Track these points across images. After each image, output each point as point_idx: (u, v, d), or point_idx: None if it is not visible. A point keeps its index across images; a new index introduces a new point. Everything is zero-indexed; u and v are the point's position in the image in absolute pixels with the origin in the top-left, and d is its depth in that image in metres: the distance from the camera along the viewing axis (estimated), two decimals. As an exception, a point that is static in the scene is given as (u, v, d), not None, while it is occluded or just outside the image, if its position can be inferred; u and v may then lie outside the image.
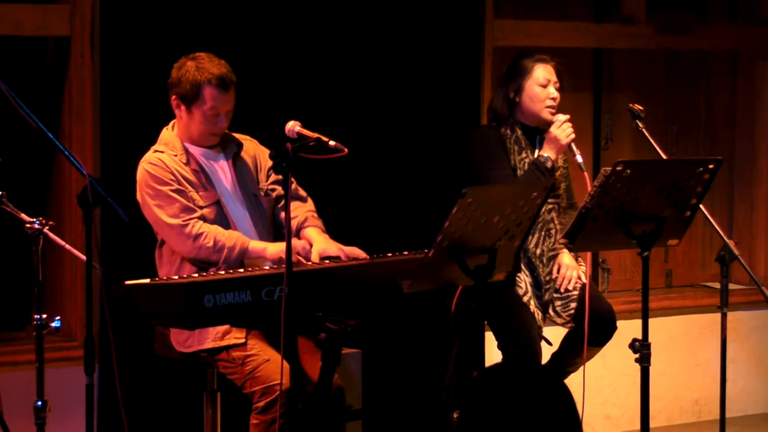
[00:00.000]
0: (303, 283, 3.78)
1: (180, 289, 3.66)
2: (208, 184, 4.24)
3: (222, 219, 4.22)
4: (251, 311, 3.72)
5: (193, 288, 3.65)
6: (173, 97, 4.25)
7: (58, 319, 3.73)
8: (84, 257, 3.53)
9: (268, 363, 4.01)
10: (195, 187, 4.21)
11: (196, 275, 3.95)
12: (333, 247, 4.19)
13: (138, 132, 4.83)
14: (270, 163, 4.37)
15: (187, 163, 4.24)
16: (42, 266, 3.69)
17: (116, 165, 4.80)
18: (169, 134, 4.31)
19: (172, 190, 4.16)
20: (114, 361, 3.56)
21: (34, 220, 3.68)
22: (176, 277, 3.99)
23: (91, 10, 4.77)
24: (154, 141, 4.75)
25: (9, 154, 4.19)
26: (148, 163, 4.22)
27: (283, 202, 4.38)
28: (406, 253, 4.17)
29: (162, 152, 4.24)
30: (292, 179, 4.43)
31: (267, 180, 4.41)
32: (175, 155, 4.23)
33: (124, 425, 3.63)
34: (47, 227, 3.69)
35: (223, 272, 3.95)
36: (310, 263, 4.07)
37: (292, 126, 4.10)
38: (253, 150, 4.42)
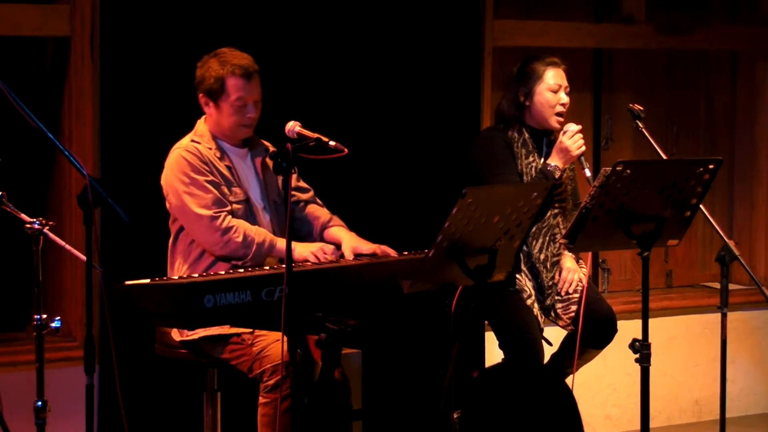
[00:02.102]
0: (303, 283, 3.78)
1: (180, 289, 3.66)
2: (239, 181, 4.26)
3: (250, 217, 4.23)
4: (251, 311, 3.72)
5: (193, 288, 3.65)
6: (200, 95, 4.25)
7: (58, 319, 3.73)
8: (84, 257, 3.53)
9: (277, 343, 3.99)
10: (227, 183, 4.22)
11: (197, 275, 3.95)
12: (365, 245, 4.21)
13: (138, 132, 4.84)
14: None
15: (221, 159, 4.24)
16: (42, 266, 3.69)
17: (116, 165, 4.80)
18: (203, 127, 4.31)
19: (207, 181, 4.16)
20: (114, 361, 3.56)
21: (34, 220, 3.68)
22: (176, 277, 3.99)
23: (91, 10, 4.77)
24: (154, 141, 4.75)
25: (9, 154, 4.19)
26: (185, 150, 4.21)
27: (302, 203, 4.41)
28: (406, 253, 4.17)
29: (198, 143, 4.24)
30: (309, 186, 4.46)
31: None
32: (210, 148, 4.23)
33: (124, 425, 3.63)
34: (47, 227, 3.69)
35: (222, 272, 3.95)
36: (314, 263, 4.06)
37: (292, 126, 4.11)
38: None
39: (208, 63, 4.25)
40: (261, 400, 4.02)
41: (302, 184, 4.48)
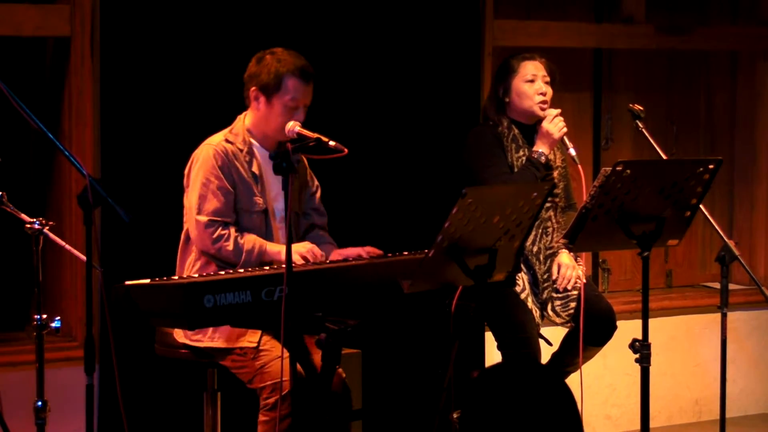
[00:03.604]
0: (303, 283, 3.78)
1: (180, 289, 3.66)
2: (263, 190, 4.23)
3: (266, 228, 4.21)
4: (251, 311, 3.72)
5: (193, 288, 3.65)
6: (252, 89, 4.20)
7: (58, 319, 3.73)
8: (84, 257, 3.53)
9: (279, 360, 3.98)
10: (249, 191, 4.18)
11: (196, 275, 3.95)
12: (349, 250, 4.23)
13: (138, 132, 4.84)
14: (313, 188, 4.39)
15: (250, 163, 4.21)
16: (42, 266, 3.69)
17: (116, 165, 4.80)
18: (241, 126, 4.26)
19: (219, 187, 4.13)
20: (114, 361, 3.56)
21: (34, 220, 3.68)
22: (176, 277, 3.99)
23: (91, 10, 4.77)
24: (154, 141, 4.76)
25: (9, 154, 4.19)
26: (213, 149, 4.17)
27: (313, 230, 4.39)
28: (406, 253, 4.17)
29: (232, 143, 4.19)
30: (326, 212, 4.46)
31: (306, 203, 4.39)
32: (241, 151, 4.20)
33: (124, 425, 3.63)
34: (47, 227, 3.69)
35: (223, 272, 3.95)
36: (310, 264, 4.06)
37: (292, 126, 4.11)
38: (304, 170, 4.40)
39: (266, 59, 4.20)
40: (261, 417, 4.01)
41: (321, 208, 4.45)
